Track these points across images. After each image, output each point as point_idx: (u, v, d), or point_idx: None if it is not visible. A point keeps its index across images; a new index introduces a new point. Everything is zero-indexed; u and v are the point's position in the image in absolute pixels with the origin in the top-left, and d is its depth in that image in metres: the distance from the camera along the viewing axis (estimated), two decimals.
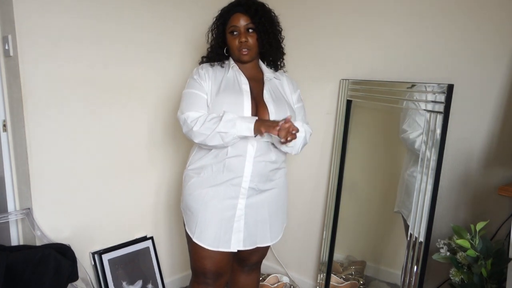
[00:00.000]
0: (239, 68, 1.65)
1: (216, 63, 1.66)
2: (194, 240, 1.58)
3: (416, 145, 1.75)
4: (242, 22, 1.57)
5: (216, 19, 1.66)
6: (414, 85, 1.76)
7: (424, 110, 1.71)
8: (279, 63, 1.72)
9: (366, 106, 2.06)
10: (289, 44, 1.79)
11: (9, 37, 1.71)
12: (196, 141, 1.55)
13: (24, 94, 1.73)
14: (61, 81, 1.82)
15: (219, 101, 1.55)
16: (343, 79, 2.12)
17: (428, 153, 1.68)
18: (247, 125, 1.48)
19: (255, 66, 1.69)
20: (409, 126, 1.79)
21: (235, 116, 1.50)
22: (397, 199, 1.91)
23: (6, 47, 1.73)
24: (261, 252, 1.78)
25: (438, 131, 1.66)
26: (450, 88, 1.64)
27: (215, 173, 1.57)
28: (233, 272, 1.81)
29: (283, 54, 1.72)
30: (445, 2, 1.74)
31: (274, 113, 1.56)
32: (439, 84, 1.67)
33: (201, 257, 1.60)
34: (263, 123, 1.48)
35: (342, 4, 2.10)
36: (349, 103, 2.10)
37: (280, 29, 1.68)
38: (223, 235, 1.57)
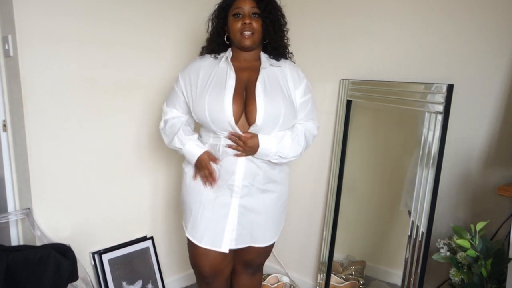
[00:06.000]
0: (238, 56, 1.59)
1: (209, 55, 1.62)
2: (186, 234, 1.61)
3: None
4: (248, 6, 1.53)
5: (218, 6, 1.62)
6: (414, 85, 1.76)
7: (424, 110, 1.71)
8: (284, 52, 1.65)
9: (366, 106, 2.06)
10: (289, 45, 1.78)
11: (9, 37, 1.71)
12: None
13: (24, 94, 1.73)
14: (61, 81, 1.82)
15: (202, 98, 1.52)
16: (343, 79, 2.12)
17: (428, 153, 1.68)
18: (193, 156, 1.59)
19: (256, 56, 1.61)
20: None
21: (193, 137, 1.61)
22: (403, 197, 1.90)
23: (6, 47, 1.73)
24: (263, 254, 1.75)
25: (438, 131, 1.66)
26: (450, 88, 1.64)
27: None
28: (236, 274, 1.80)
29: (287, 44, 1.66)
30: (445, 2, 1.74)
31: (263, 108, 1.49)
32: (439, 84, 1.67)
33: (195, 254, 1.62)
34: (200, 163, 1.57)
35: (342, 5, 2.10)
36: (349, 103, 2.10)
37: (285, 21, 1.63)
38: (215, 234, 1.57)
